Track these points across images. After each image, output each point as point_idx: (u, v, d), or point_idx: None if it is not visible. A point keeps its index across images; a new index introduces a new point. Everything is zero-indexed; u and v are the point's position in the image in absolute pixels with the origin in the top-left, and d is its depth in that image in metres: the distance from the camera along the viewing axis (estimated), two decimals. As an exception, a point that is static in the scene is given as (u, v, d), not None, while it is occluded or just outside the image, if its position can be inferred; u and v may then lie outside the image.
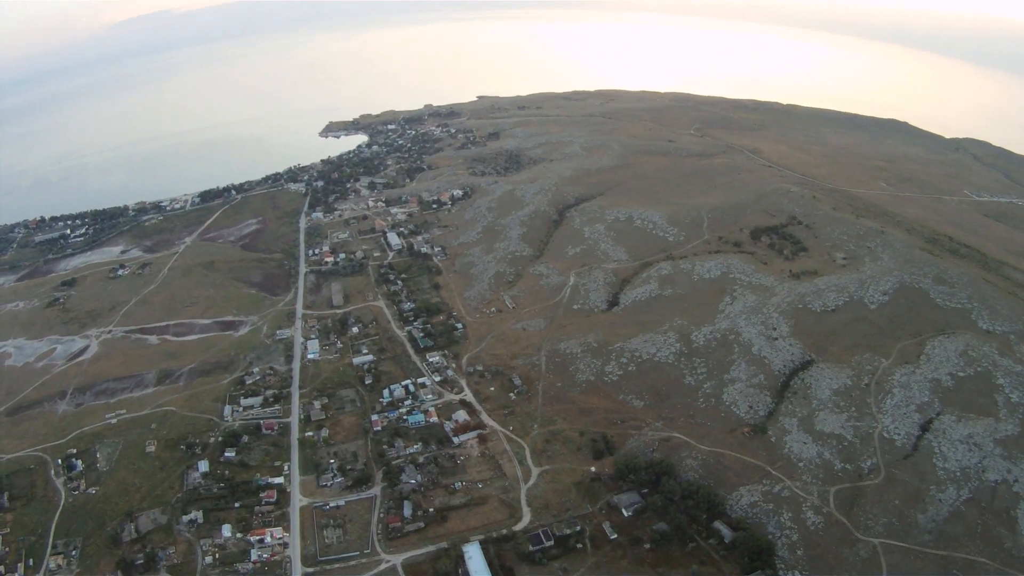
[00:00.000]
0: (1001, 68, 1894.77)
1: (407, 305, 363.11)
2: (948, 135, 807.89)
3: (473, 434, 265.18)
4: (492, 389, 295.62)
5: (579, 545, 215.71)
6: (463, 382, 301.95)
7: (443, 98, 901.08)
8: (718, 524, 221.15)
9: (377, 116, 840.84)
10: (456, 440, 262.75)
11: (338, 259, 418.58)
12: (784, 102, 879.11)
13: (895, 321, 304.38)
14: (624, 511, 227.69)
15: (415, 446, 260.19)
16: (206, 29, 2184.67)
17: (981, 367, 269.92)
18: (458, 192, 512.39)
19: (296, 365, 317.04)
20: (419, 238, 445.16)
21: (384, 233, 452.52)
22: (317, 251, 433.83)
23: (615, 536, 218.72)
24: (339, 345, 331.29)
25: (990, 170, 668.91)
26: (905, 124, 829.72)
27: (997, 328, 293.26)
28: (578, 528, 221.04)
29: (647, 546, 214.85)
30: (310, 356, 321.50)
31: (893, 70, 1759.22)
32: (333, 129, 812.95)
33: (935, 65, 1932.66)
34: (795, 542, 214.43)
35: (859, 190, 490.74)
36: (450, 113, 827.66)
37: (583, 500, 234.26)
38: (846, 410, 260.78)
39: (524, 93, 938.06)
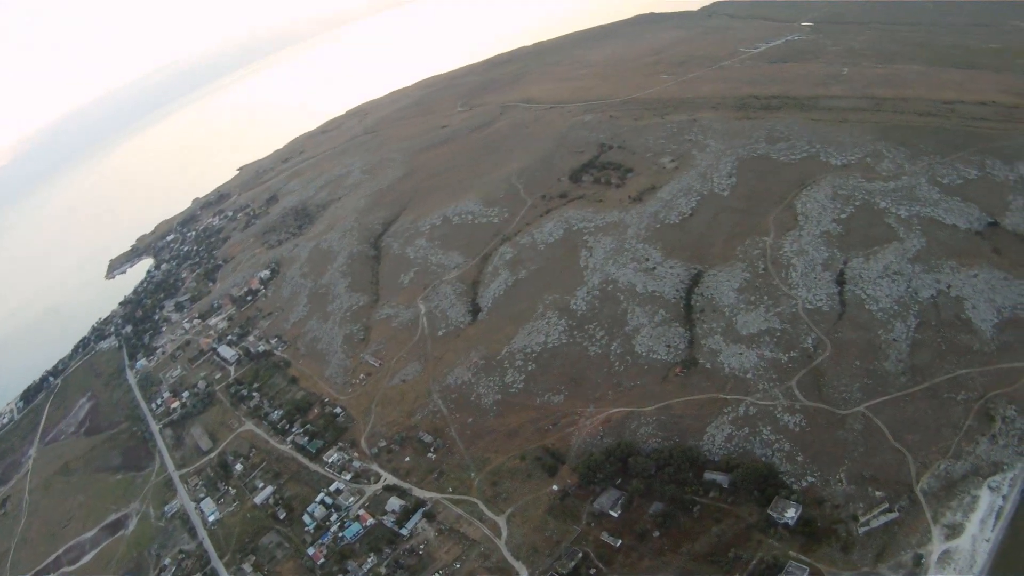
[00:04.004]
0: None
1: (275, 415, 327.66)
2: (696, 7, 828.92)
3: (417, 516, 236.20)
4: (408, 459, 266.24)
5: (592, 571, 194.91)
6: (375, 467, 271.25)
7: (206, 186, 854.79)
8: (709, 474, 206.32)
9: (152, 232, 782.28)
10: (405, 531, 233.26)
11: (184, 400, 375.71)
12: (529, 43, 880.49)
13: (754, 197, 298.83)
14: (612, 513, 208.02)
15: (369, 559, 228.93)
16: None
17: (858, 200, 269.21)
18: (265, 273, 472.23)
19: (203, 535, 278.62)
20: (250, 338, 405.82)
21: (214, 350, 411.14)
22: (159, 401, 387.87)
23: (620, 542, 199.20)
24: (232, 491, 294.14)
25: (752, 20, 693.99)
26: (651, 14, 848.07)
27: (850, 159, 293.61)
28: (580, 555, 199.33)
29: (656, 534, 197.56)
30: (211, 519, 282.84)
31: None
32: (116, 266, 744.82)
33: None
34: (789, 451, 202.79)
35: (646, 92, 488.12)
36: (220, 197, 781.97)
37: (566, 524, 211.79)
38: (760, 303, 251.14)
39: (280, 146, 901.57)
